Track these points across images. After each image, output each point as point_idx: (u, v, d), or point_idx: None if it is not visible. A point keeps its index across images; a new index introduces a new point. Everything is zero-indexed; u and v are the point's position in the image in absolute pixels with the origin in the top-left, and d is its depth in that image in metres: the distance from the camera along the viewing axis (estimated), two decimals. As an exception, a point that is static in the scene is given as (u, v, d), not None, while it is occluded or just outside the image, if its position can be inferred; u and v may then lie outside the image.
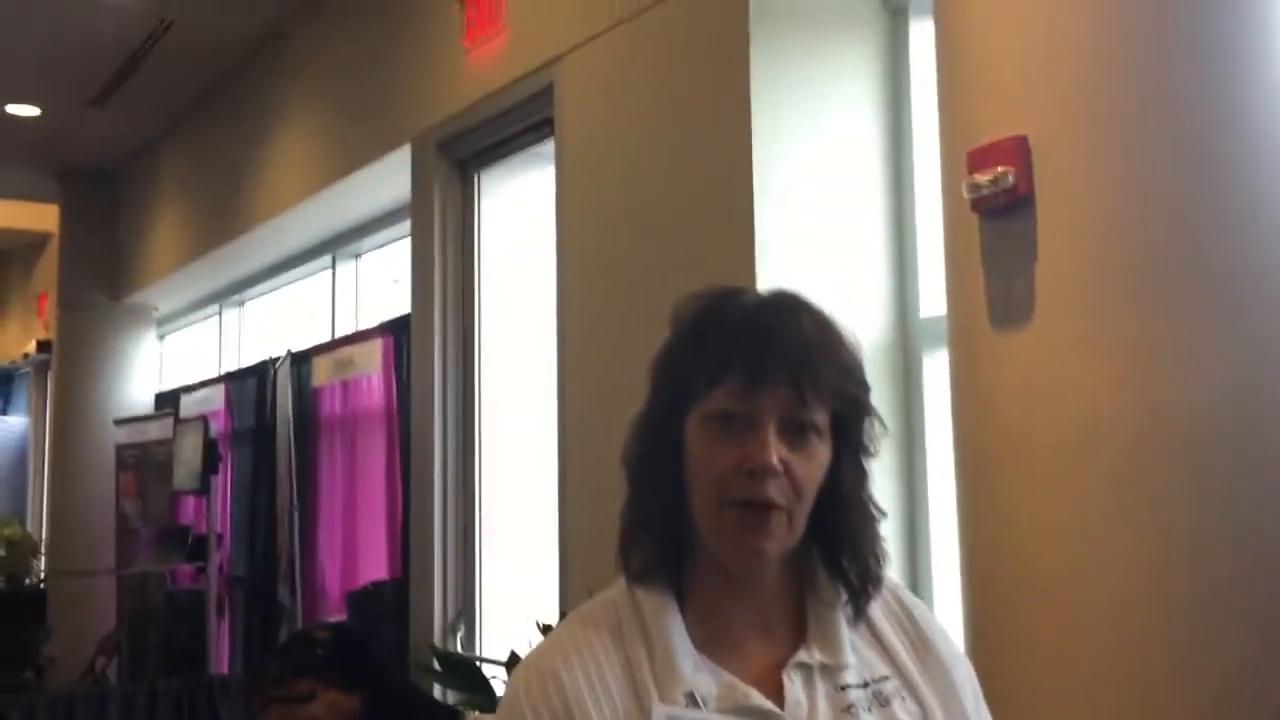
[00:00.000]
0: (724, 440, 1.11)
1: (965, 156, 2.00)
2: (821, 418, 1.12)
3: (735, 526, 1.11)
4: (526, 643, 3.20)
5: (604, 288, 3.50)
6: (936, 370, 2.84)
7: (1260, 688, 1.72)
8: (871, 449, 1.17)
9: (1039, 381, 1.87)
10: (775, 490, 1.10)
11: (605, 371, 3.44)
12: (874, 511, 1.18)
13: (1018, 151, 1.90)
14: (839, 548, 1.17)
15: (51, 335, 9.14)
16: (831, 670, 1.14)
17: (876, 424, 1.17)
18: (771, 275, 2.87)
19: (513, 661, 3.12)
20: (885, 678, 1.16)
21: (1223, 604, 1.74)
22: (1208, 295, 1.78)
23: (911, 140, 3.02)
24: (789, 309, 1.16)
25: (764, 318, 1.14)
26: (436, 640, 4.23)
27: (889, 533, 3.00)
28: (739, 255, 2.91)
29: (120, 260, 8.54)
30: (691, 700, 1.09)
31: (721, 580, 1.15)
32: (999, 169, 1.91)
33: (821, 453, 1.13)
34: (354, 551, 5.47)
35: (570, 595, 3.43)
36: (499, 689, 3.18)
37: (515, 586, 4.24)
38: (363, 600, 4.82)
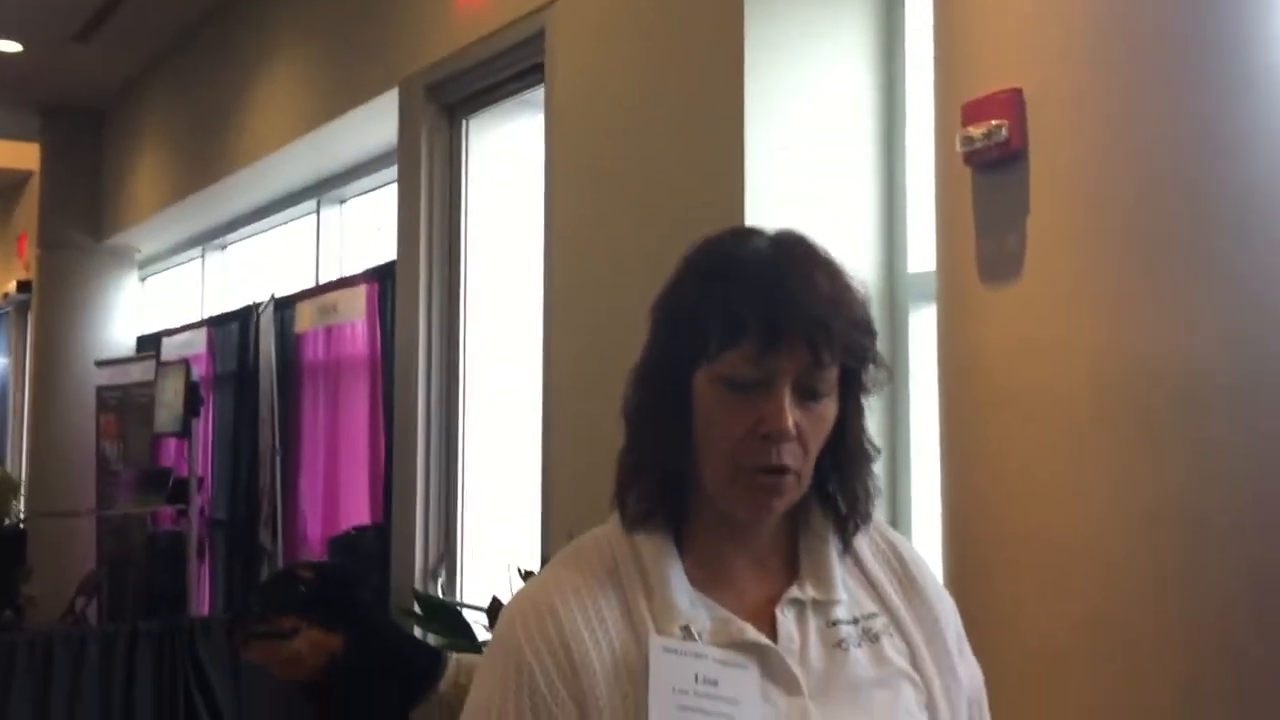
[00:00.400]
0: (737, 402, 1.10)
1: (959, 109, 1.99)
2: (833, 375, 1.12)
3: (748, 489, 1.12)
4: (508, 589, 3.22)
5: (592, 237, 3.49)
6: (923, 326, 2.85)
7: (1244, 645, 1.73)
8: (872, 391, 1.18)
9: (1027, 336, 1.87)
10: (788, 454, 1.10)
11: (591, 320, 3.43)
12: (869, 450, 1.19)
13: (1012, 104, 1.89)
14: (834, 484, 1.18)
15: (32, 275, 9.06)
16: (823, 606, 1.16)
17: (881, 368, 1.16)
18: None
19: (494, 607, 3.13)
20: (874, 615, 1.17)
21: (1208, 560, 1.75)
22: (1200, 251, 1.78)
23: (905, 95, 3.00)
24: (804, 264, 1.13)
25: (781, 277, 1.11)
26: (418, 585, 4.25)
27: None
28: (729, 207, 2.90)
29: (102, 201, 8.46)
30: (687, 633, 1.10)
31: (720, 525, 1.16)
32: (993, 122, 1.90)
33: (831, 410, 1.14)
34: (336, 497, 5.48)
35: (552, 542, 3.44)
36: (480, 634, 3.20)
37: (497, 533, 4.26)
38: (344, 545, 4.83)
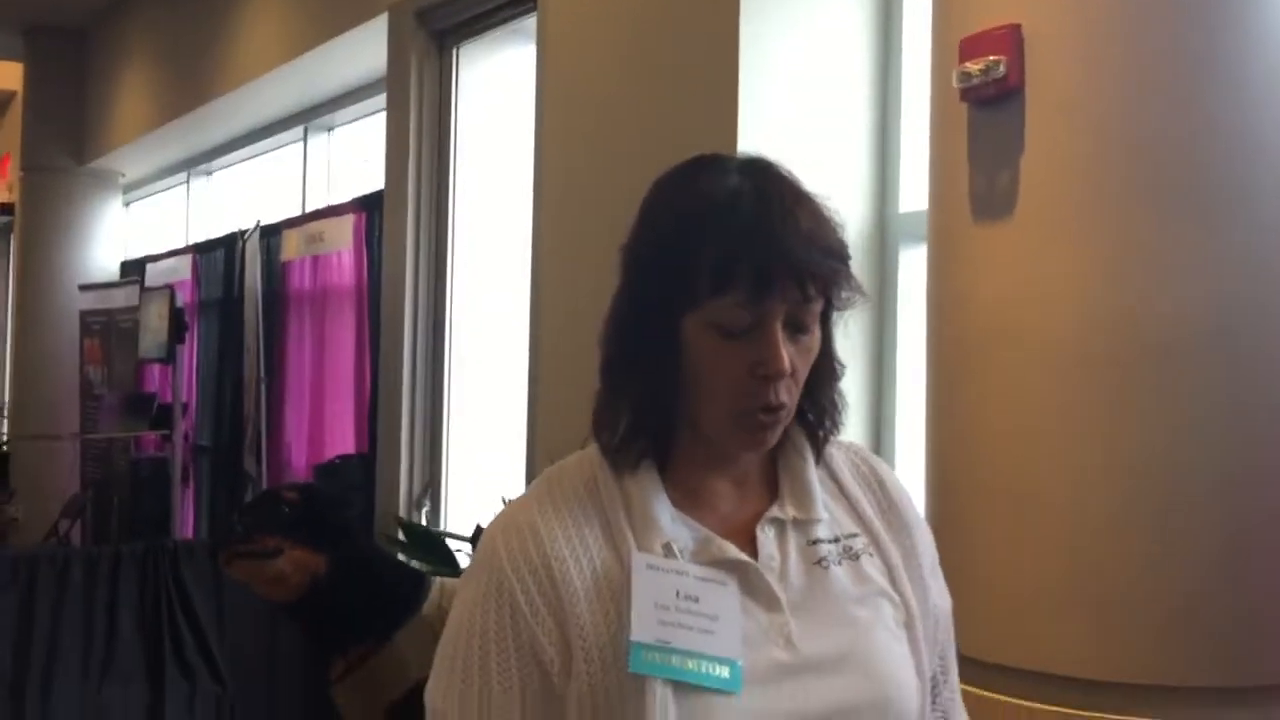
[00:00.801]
0: (731, 347, 1.10)
1: (957, 45, 1.97)
2: (818, 308, 1.14)
3: (745, 428, 1.12)
4: (492, 518, 3.24)
5: (583, 168, 3.47)
6: (913, 267, 2.85)
7: (1219, 600, 1.76)
8: (843, 310, 1.18)
9: (1018, 276, 1.88)
10: (785, 392, 1.11)
11: (580, 251, 3.42)
12: (837, 367, 1.20)
13: (1010, 40, 1.88)
14: (807, 401, 1.19)
15: (15, 197, 8.97)
16: (804, 525, 1.17)
17: (853, 289, 1.16)
18: (752, 163, 2.84)
19: (478, 535, 3.15)
20: (854, 534, 1.18)
21: (1188, 512, 1.77)
22: (1197, 196, 1.78)
23: (901, 32, 2.98)
24: (785, 202, 1.12)
25: (767, 220, 1.09)
26: (402, 514, 4.27)
27: (857, 429, 3.04)
28: (722, 141, 2.88)
29: (86, 122, 8.36)
30: (669, 551, 1.11)
31: (704, 457, 1.17)
32: (991, 58, 1.89)
33: (815, 340, 1.14)
34: (321, 425, 5.48)
35: (537, 472, 3.45)
36: (464, 562, 3.22)
37: (482, 463, 4.28)
38: (329, 473, 4.85)
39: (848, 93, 2.97)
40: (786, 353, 1.10)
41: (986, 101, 1.93)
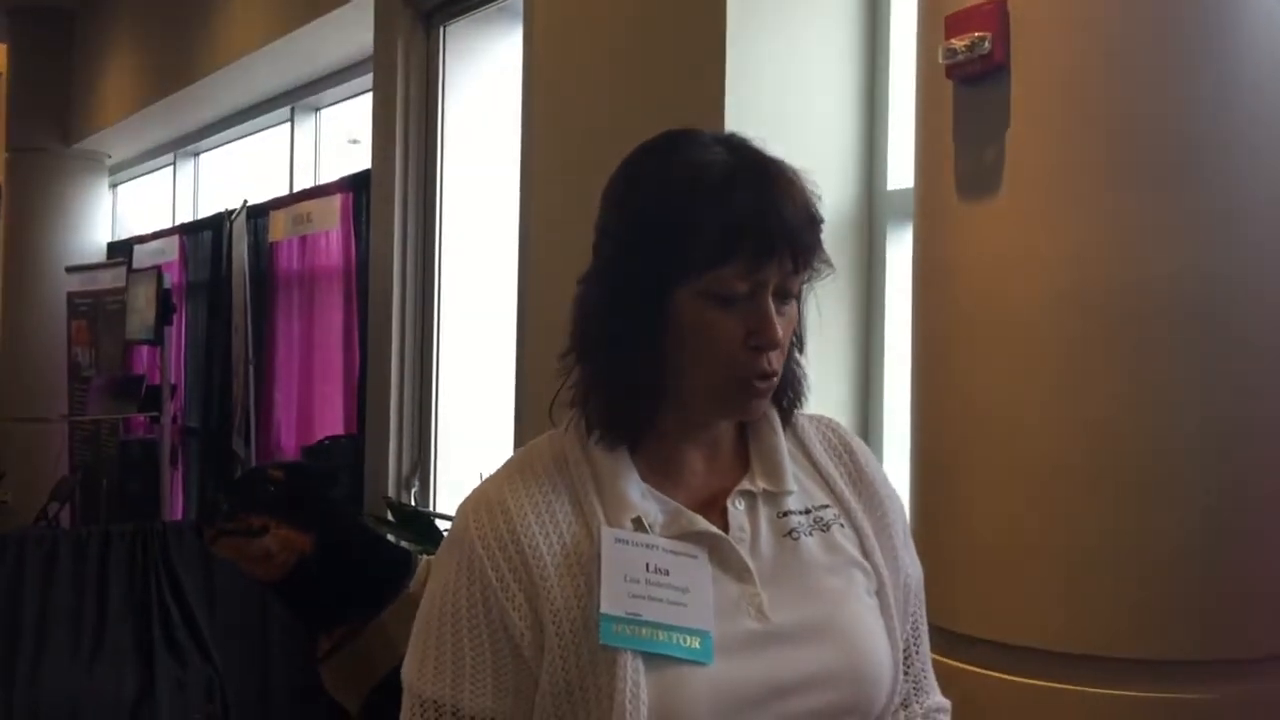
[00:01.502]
0: (726, 316, 1.11)
1: (943, 21, 1.97)
2: (803, 279, 1.16)
3: (739, 397, 1.14)
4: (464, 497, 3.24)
5: (570, 147, 3.45)
6: (900, 244, 2.85)
7: (1196, 573, 1.77)
8: (814, 282, 1.20)
9: (1004, 252, 1.88)
10: (777, 361, 1.14)
11: (568, 232, 3.41)
12: (803, 336, 1.22)
13: (996, 16, 1.87)
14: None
15: (0, 179, 8.92)
16: (774, 497, 1.18)
17: (825, 261, 1.17)
18: (740, 141, 2.83)
19: (466, 515, 3.15)
20: (825, 506, 1.19)
21: (1165, 484, 1.78)
22: (1182, 172, 1.78)
23: (887, 9, 2.97)
24: (774, 174, 1.14)
25: (769, 193, 1.11)
26: (390, 495, 4.27)
27: (844, 404, 3.03)
28: (709, 121, 2.87)
29: (71, 103, 8.31)
30: (639, 525, 1.12)
31: (675, 425, 1.17)
32: (976, 34, 1.89)
33: (796, 308, 1.17)
34: (309, 406, 5.48)
35: (525, 454, 3.45)
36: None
37: (470, 443, 4.27)
38: (317, 455, 4.84)
39: (834, 70, 2.96)
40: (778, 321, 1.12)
41: (972, 78, 1.93)
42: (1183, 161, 1.79)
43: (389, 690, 2.23)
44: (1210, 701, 1.75)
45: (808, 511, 1.18)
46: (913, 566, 1.25)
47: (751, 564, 1.13)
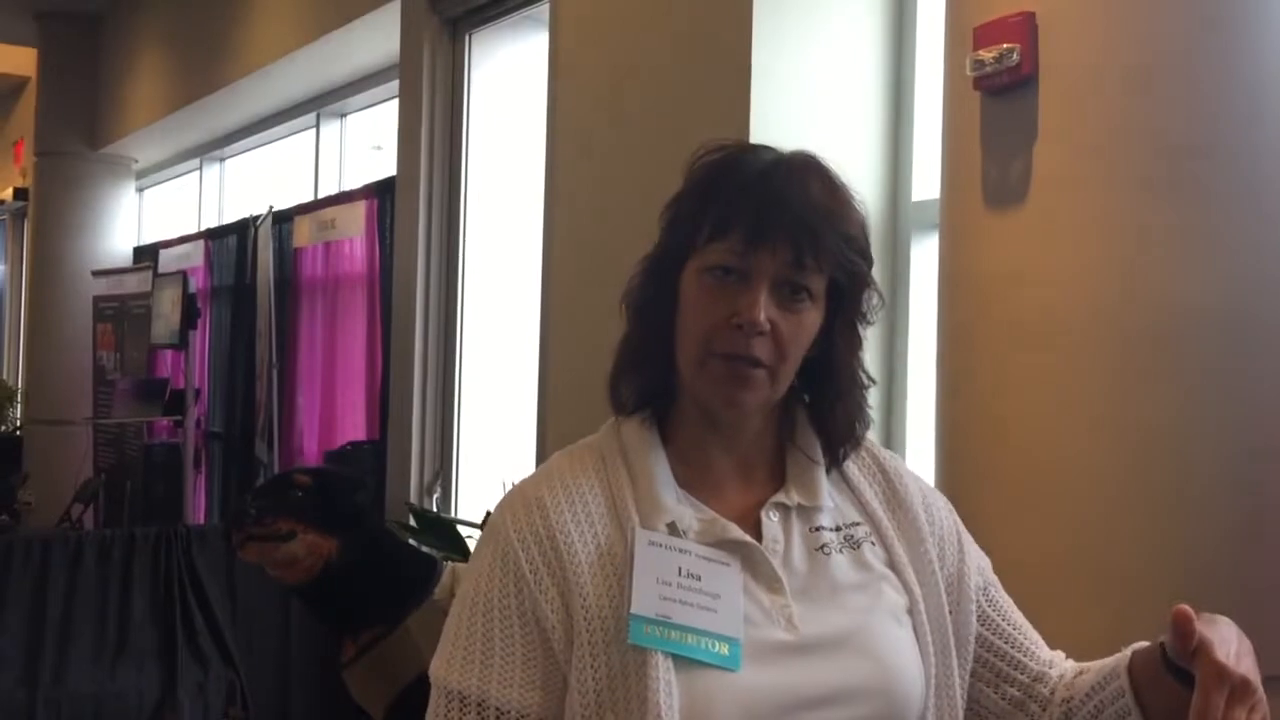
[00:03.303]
0: (716, 293, 1.13)
1: (971, 32, 1.97)
2: (817, 283, 1.14)
3: (717, 377, 1.14)
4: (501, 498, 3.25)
5: (595, 154, 3.46)
6: (924, 256, 2.84)
7: (1225, 587, 1.75)
8: (868, 318, 1.20)
9: (1031, 264, 1.87)
10: (759, 348, 1.12)
11: (592, 238, 3.42)
12: (862, 378, 1.21)
13: (1024, 28, 1.87)
14: (824, 407, 1.20)
15: (29, 183, 9.00)
16: (807, 511, 1.18)
17: (874, 295, 1.18)
18: (764, 151, 2.84)
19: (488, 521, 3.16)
20: (857, 523, 1.20)
21: (1196, 496, 1.76)
22: (1208, 184, 1.78)
23: (915, 20, 2.96)
24: (800, 171, 1.15)
25: (773, 178, 1.14)
26: (413, 501, 4.28)
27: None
28: (735, 128, 2.88)
29: (99, 108, 8.37)
30: (673, 529, 1.13)
31: (704, 423, 1.18)
32: (1004, 46, 1.89)
33: (811, 317, 1.15)
34: (333, 412, 5.50)
35: (547, 459, 3.46)
36: (473, 547, 3.23)
37: (493, 450, 4.28)
38: (340, 460, 4.86)
39: (861, 80, 2.96)
40: (769, 312, 1.11)
41: (1000, 90, 1.93)
42: (1210, 174, 1.78)
43: (414, 696, 2.24)
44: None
45: (839, 529, 1.18)
46: (978, 559, 1.26)
47: (783, 575, 1.13)
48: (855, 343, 1.20)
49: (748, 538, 1.14)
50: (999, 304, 1.92)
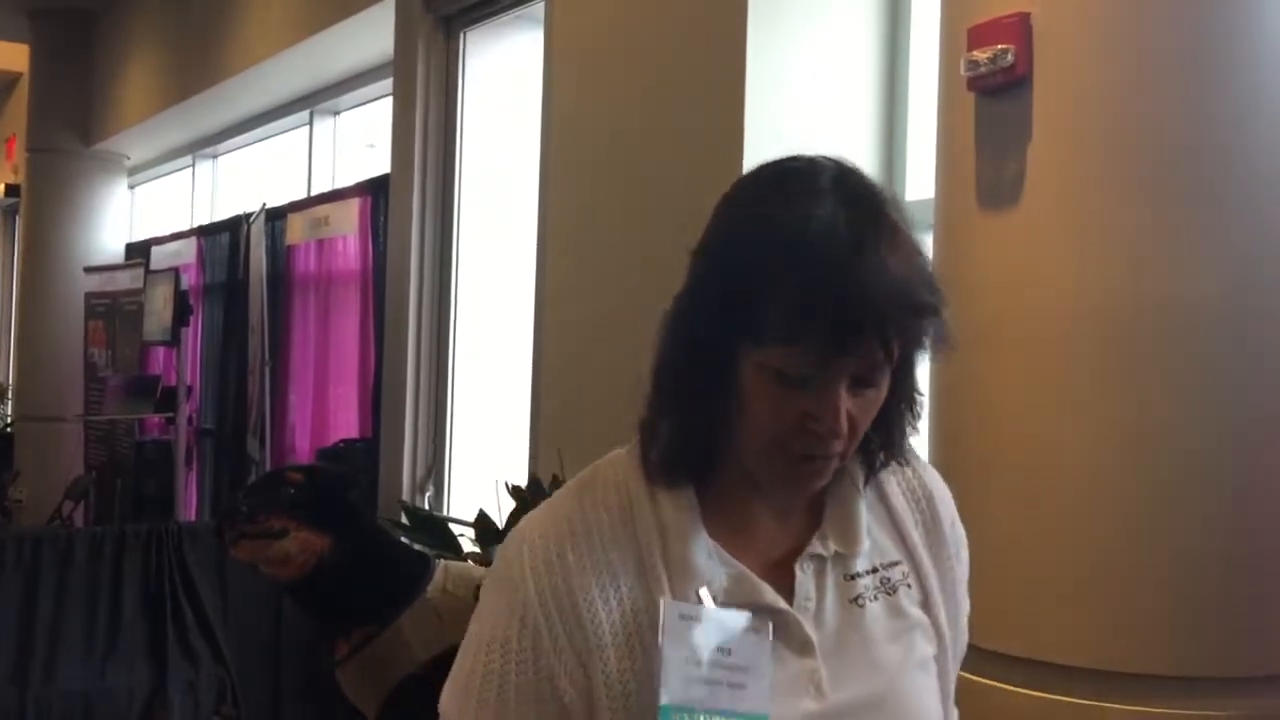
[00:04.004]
0: (786, 394, 1.01)
1: (965, 33, 1.97)
2: (892, 363, 1.03)
3: (787, 472, 1.06)
4: (495, 504, 3.25)
5: (588, 153, 3.46)
6: (917, 254, 2.84)
7: (1217, 589, 1.76)
8: (929, 348, 1.07)
9: (1024, 264, 1.88)
10: (837, 445, 1.03)
11: (586, 238, 3.42)
12: (916, 398, 1.10)
13: (1019, 29, 1.87)
14: (870, 436, 1.10)
15: (21, 179, 8.97)
16: (844, 558, 1.11)
17: (945, 331, 1.05)
18: (760, 155, 2.84)
19: (481, 521, 3.16)
20: (895, 563, 1.13)
21: (1190, 495, 1.77)
22: (1203, 185, 1.78)
23: (909, 20, 2.97)
24: (876, 241, 0.99)
25: (853, 264, 0.98)
26: (405, 499, 4.27)
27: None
28: (730, 128, 2.88)
29: (92, 105, 8.35)
30: (702, 596, 1.05)
31: (745, 484, 1.10)
32: (998, 47, 1.89)
33: (884, 387, 1.04)
34: (325, 409, 5.49)
35: (540, 458, 3.46)
36: (466, 546, 3.23)
37: (486, 448, 4.28)
38: (333, 457, 4.85)
39: (855, 80, 2.96)
40: (846, 407, 1.01)
41: (994, 90, 1.93)
42: (1204, 175, 1.78)
43: (406, 694, 2.24)
44: (1236, 718, 1.74)
45: (875, 571, 1.11)
46: (966, 602, 1.19)
47: (814, 636, 1.07)
48: (915, 374, 1.09)
49: (780, 603, 1.07)
50: (992, 305, 1.92)
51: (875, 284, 0.98)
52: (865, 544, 1.12)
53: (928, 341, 1.05)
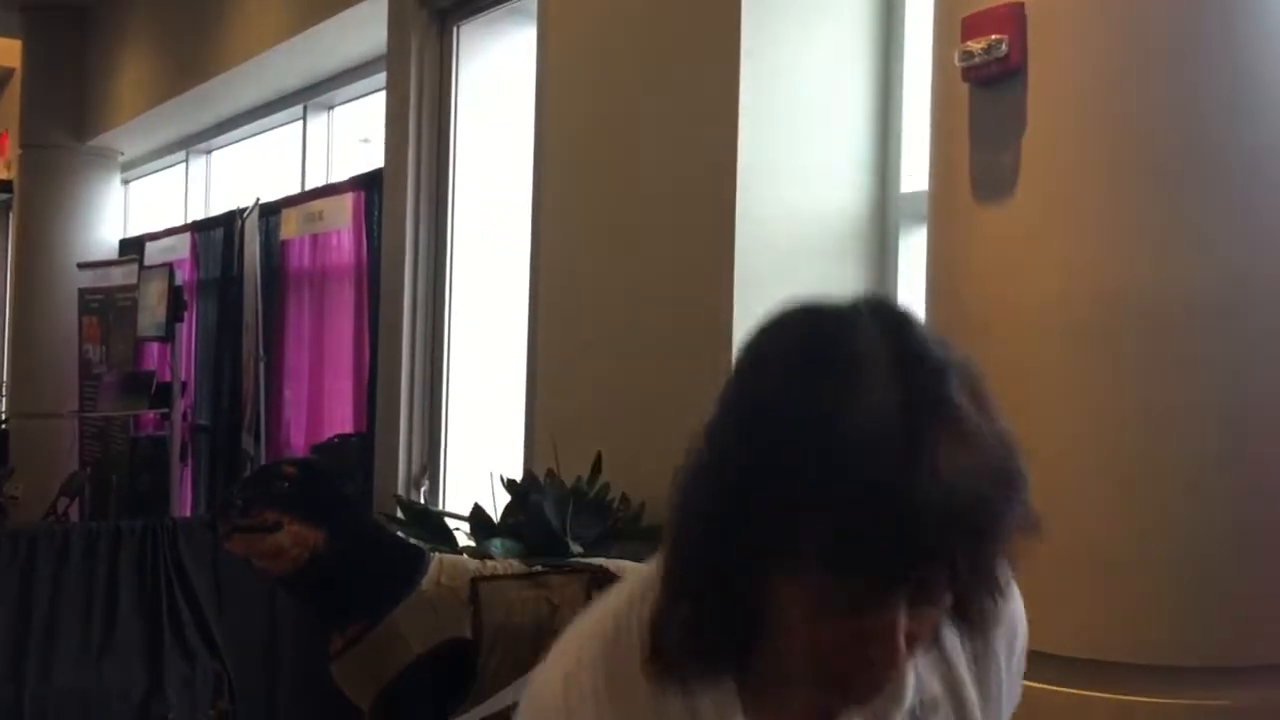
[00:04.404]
0: (834, 619, 0.84)
1: (960, 23, 1.96)
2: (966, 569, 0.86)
3: (837, 693, 0.91)
4: (490, 498, 3.25)
5: (583, 148, 3.46)
6: (912, 248, 2.84)
7: (1216, 578, 1.76)
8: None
9: (1019, 256, 1.87)
10: (904, 664, 0.88)
11: (580, 232, 3.41)
12: (999, 580, 0.91)
13: (1013, 19, 1.87)
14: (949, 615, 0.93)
15: (14, 175, 8.95)
16: (886, 707, 0.95)
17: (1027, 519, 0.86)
18: (754, 147, 2.84)
19: (476, 514, 3.16)
20: (935, 703, 0.98)
21: (1185, 486, 1.77)
22: (1198, 176, 1.78)
23: (903, 11, 2.97)
24: (941, 441, 0.80)
25: (915, 487, 0.78)
26: (400, 493, 4.27)
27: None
28: (723, 122, 2.88)
29: (85, 100, 8.33)
30: None
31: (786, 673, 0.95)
32: (993, 37, 1.88)
33: (948, 601, 0.88)
34: (320, 404, 5.49)
35: (535, 453, 3.46)
36: (461, 540, 3.23)
37: (481, 443, 4.28)
38: (328, 452, 4.85)
39: (848, 71, 2.96)
40: (905, 630, 0.84)
41: (988, 81, 1.92)
42: (1199, 165, 1.78)
43: (402, 688, 2.24)
44: (1232, 707, 1.75)
45: (913, 712, 0.96)
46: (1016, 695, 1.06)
47: None
48: (998, 569, 0.90)
49: None
50: (987, 296, 1.92)
51: (938, 499, 0.79)
52: (909, 694, 0.96)
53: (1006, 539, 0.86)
